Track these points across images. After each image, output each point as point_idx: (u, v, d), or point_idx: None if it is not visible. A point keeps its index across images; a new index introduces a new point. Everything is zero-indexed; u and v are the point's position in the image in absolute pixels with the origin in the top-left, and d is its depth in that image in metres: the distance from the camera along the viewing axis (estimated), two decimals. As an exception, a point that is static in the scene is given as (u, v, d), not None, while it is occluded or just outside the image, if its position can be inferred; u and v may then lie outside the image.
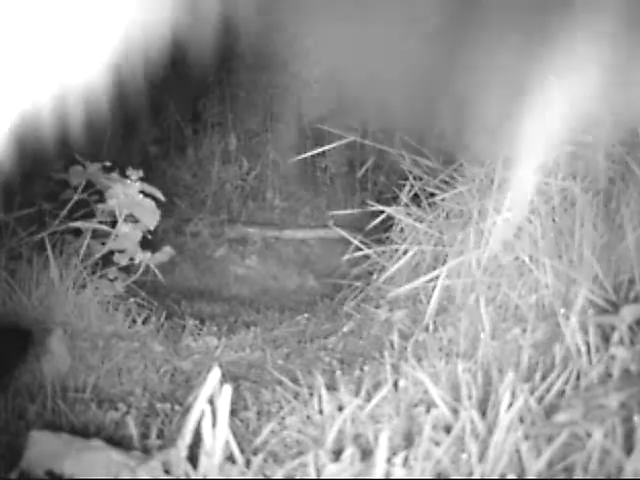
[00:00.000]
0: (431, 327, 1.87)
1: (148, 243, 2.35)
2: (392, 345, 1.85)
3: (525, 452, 1.05)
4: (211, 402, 1.07)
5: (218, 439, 1.05)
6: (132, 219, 2.28)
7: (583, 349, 1.25)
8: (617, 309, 1.24)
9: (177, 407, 1.62)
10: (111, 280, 2.29)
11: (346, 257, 2.44)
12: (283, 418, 1.48)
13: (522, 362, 1.37)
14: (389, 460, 1.04)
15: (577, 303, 1.37)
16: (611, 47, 1.57)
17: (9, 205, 2.20)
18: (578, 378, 1.22)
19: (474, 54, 2.13)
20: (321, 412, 1.42)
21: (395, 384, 1.49)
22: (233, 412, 1.46)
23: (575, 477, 1.02)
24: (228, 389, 1.08)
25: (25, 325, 1.85)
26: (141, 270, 2.33)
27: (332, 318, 2.55)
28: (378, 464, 1.00)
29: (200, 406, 1.07)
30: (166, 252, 2.40)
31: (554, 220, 1.75)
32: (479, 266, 1.87)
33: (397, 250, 2.28)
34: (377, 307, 2.29)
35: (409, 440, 1.24)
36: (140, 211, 2.27)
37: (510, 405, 1.11)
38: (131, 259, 2.32)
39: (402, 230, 2.41)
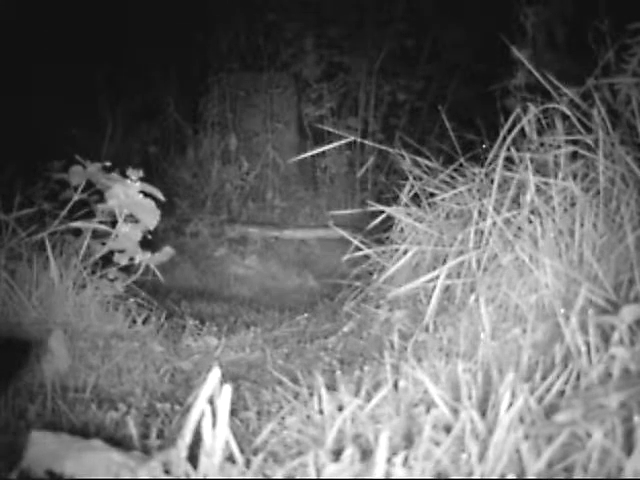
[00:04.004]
0: (431, 327, 1.87)
1: (148, 243, 2.34)
2: (392, 345, 1.85)
3: (525, 452, 1.05)
4: (211, 402, 1.07)
5: (218, 439, 1.05)
6: (132, 219, 2.28)
7: (583, 349, 1.25)
8: (617, 309, 1.24)
9: (177, 407, 1.62)
10: (111, 280, 2.29)
11: (346, 257, 2.43)
12: (283, 418, 1.48)
13: (522, 362, 1.37)
14: (389, 460, 1.04)
15: (577, 303, 1.36)
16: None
17: (9, 205, 2.21)
18: (578, 378, 1.22)
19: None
20: (321, 412, 1.42)
21: (395, 384, 1.49)
22: (233, 412, 1.47)
23: (575, 477, 1.02)
24: (228, 389, 1.08)
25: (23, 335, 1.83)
26: (141, 270, 2.32)
27: (332, 318, 2.55)
28: (378, 464, 1.00)
29: (200, 406, 1.07)
30: (166, 252, 2.40)
31: (554, 220, 1.75)
32: (479, 266, 1.87)
33: (397, 250, 2.28)
34: (377, 307, 2.29)
35: (409, 440, 1.24)
36: (140, 211, 2.27)
37: (510, 405, 1.11)
38: (131, 259, 2.31)
39: (402, 230, 2.40)
